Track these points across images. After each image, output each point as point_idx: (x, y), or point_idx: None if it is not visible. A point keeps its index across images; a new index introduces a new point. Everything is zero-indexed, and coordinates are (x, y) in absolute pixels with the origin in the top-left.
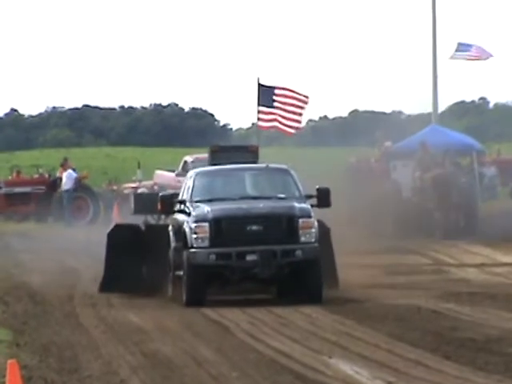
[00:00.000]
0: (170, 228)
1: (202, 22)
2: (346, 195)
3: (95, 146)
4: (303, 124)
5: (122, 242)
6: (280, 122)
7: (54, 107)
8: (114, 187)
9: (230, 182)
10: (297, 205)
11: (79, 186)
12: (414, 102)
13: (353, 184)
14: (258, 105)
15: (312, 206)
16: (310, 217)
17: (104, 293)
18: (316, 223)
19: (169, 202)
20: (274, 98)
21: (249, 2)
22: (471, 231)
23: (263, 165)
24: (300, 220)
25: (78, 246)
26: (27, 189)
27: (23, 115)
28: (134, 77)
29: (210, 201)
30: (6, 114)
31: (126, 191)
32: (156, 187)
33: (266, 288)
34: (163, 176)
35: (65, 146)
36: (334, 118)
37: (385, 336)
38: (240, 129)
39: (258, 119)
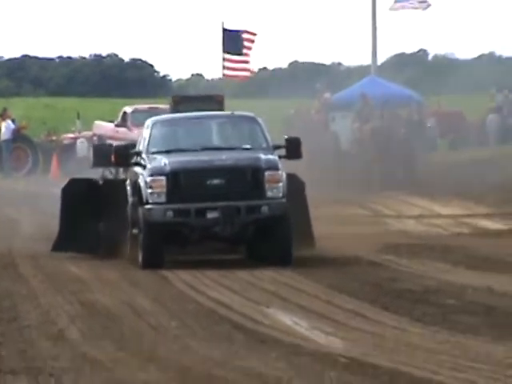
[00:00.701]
0: (128, 182)
1: None
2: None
3: (34, 96)
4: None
5: (78, 197)
6: (246, 70)
7: None
8: (53, 138)
9: (191, 132)
10: (263, 156)
11: (18, 136)
12: (353, 53)
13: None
14: (224, 51)
15: (280, 157)
16: (277, 169)
17: (58, 252)
18: (284, 176)
19: (124, 154)
20: (244, 43)
21: None
22: (410, 183)
23: (228, 112)
24: (266, 173)
25: (16, 196)
26: None
27: None
28: (73, 27)
29: (168, 152)
30: None
31: (65, 142)
32: (95, 138)
33: (235, 249)
34: (102, 127)
35: (4, 96)
36: (273, 69)
37: (324, 287)
38: (179, 79)
39: (224, 67)
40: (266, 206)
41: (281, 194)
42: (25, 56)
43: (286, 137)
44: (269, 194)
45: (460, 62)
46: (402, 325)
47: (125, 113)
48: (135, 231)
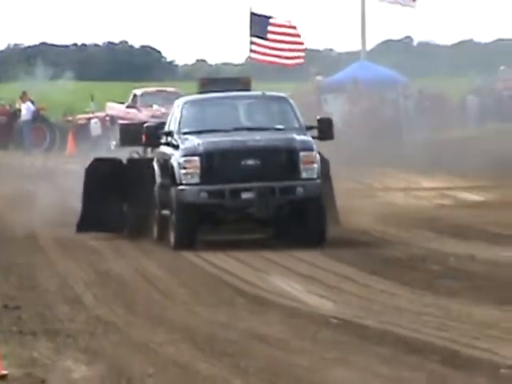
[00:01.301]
0: (155, 162)
1: None
2: None
3: (51, 79)
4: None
5: (102, 177)
6: (276, 56)
7: (15, 44)
8: (69, 118)
9: (222, 112)
10: (297, 137)
11: (37, 116)
12: (344, 40)
13: None
14: (251, 35)
15: (313, 138)
16: (312, 150)
17: (81, 233)
18: (318, 157)
19: (154, 134)
20: (269, 28)
21: None
22: (396, 158)
23: (259, 92)
24: (301, 153)
25: (35, 171)
26: None
27: None
28: (88, 16)
29: (199, 132)
30: None
31: (80, 121)
32: (107, 118)
33: (261, 228)
34: (114, 108)
35: (24, 80)
36: None
37: (319, 255)
38: (185, 65)
39: (251, 51)
40: (301, 187)
41: (315, 175)
42: (42, 44)
43: (318, 117)
44: (303, 174)
45: (441, 47)
46: (390, 289)
47: (134, 95)
48: (165, 212)
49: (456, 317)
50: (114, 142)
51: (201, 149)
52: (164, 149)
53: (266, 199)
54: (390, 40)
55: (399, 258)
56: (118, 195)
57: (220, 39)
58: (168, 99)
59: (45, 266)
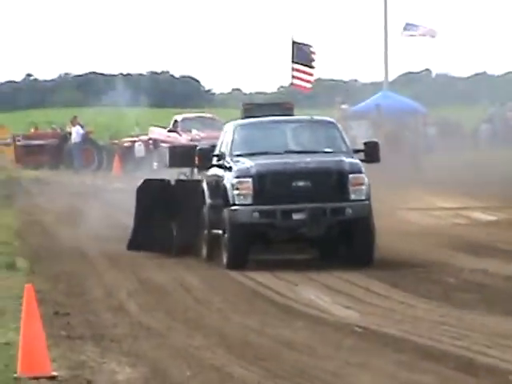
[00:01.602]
0: (205, 183)
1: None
2: None
3: (100, 106)
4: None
5: (152, 197)
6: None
7: (65, 73)
8: (116, 141)
9: (272, 135)
10: (346, 160)
11: (86, 139)
12: (367, 71)
13: None
14: (293, 62)
15: (361, 161)
16: (360, 172)
17: (133, 250)
18: (367, 179)
19: (207, 156)
20: (312, 56)
21: None
22: (415, 179)
23: (307, 117)
24: (350, 175)
25: (84, 190)
26: (42, 141)
27: (39, 80)
28: (134, 46)
29: (251, 155)
30: (23, 79)
31: (125, 144)
32: (150, 141)
33: (308, 249)
34: (157, 132)
35: (74, 105)
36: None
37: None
38: (221, 93)
39: (293, 77)
40: (350, 208)
41: (364, 197)
42: (92, 73)
43: (364, 141)
44: (352, 196)
45: (457, 79)
46: (409, 300)
47: (175, 120)
48: (216, 232)
49: (469, 326)
50: (156, 163)
51: (253, 170)
52: (215, 170)
53: (316, 219)
54: (410, 72)
55: (417, 272)
56: (167, 215)
57: (253, 69)
58: (206, 124)
59: (90, 274)
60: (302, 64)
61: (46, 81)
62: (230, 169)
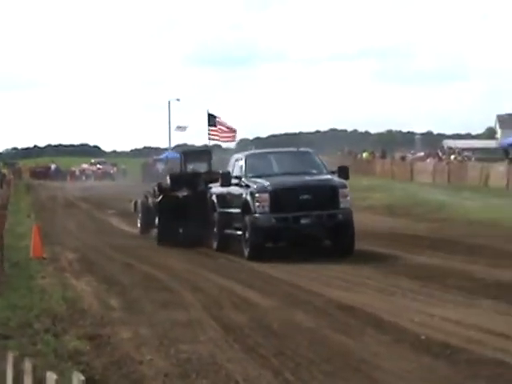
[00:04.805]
0: (214, 197)
1: None
2: None
3: None
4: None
5: (169, 207)
6: (220, 137)
7: None
8: None
9: (273, 162)
10: (336, 178)
11: None
12: None
13: None
14: (208, 125)
15: None
16: (346, 187)
17: (160, 245)
18: (349, 192)
19: (228, 178)
20: (216, 121)
21: None
22: None
23: (294, 149)
24: (340, 190)
25: None
26: None
27: None
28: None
29: (260, 176)
30: None
31: None
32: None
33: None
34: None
35: None
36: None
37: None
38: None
39: (209, 135)
40: (341, 214)
41: (349, 205)
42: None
43: (338, 166)
44: (342, 205)
45: None
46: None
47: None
48: (228, 231)
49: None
50: None
51: (270, 188)
52: (231, 189)
53: (319, 223)
54: None
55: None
56: (178, 220)
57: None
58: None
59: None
60: (213, 126)
61: None
62: (246, 186)
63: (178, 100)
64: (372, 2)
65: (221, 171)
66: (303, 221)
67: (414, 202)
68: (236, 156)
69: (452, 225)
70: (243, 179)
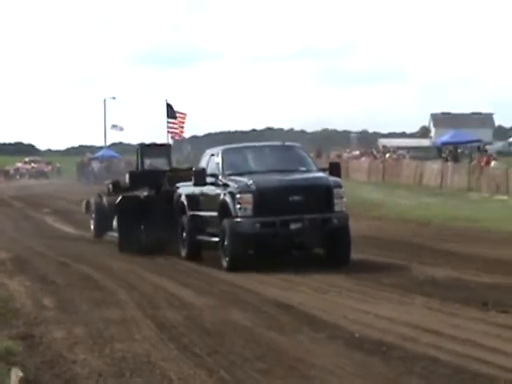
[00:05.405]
0: (184, 198)
1: None
2: None
3: None
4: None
5: (129, 210)
6: (181, 130)
7: None
8: None
9: (255, 158)
10: (330, 177)
11: None
12: None
13: None
14: (168, 117)
15: None
16: (341, 187)
17: (123, 252)
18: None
19: (203, 176)
20: (176, 113)
21: None
22: None
23: (279, 142)
24: (334, 190)
25: None
26: None
27: None
28: None
29: (241, 174)
30: None
31: None
32: None
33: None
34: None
35: None
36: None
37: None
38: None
39: (168, 128)
40: (336, 219)
41: (344, 208)
42: None
43: (329, 162)
44: (336, 208)
45: None
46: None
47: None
48: (200, 238)
49: None
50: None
51: (253, 187)
52: (206, 188)
53: (312, 228)
54: None
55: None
56: (140, 224)
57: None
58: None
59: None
60: (172, 118)
61: None
62: (224, 186)
63: (113, 98)
64: (310, 2)
65: (193, 168)
66: (293, 226)
67: (351, 200)
68: (210, 151)
69: (388, 223)
70: (220, 177)
